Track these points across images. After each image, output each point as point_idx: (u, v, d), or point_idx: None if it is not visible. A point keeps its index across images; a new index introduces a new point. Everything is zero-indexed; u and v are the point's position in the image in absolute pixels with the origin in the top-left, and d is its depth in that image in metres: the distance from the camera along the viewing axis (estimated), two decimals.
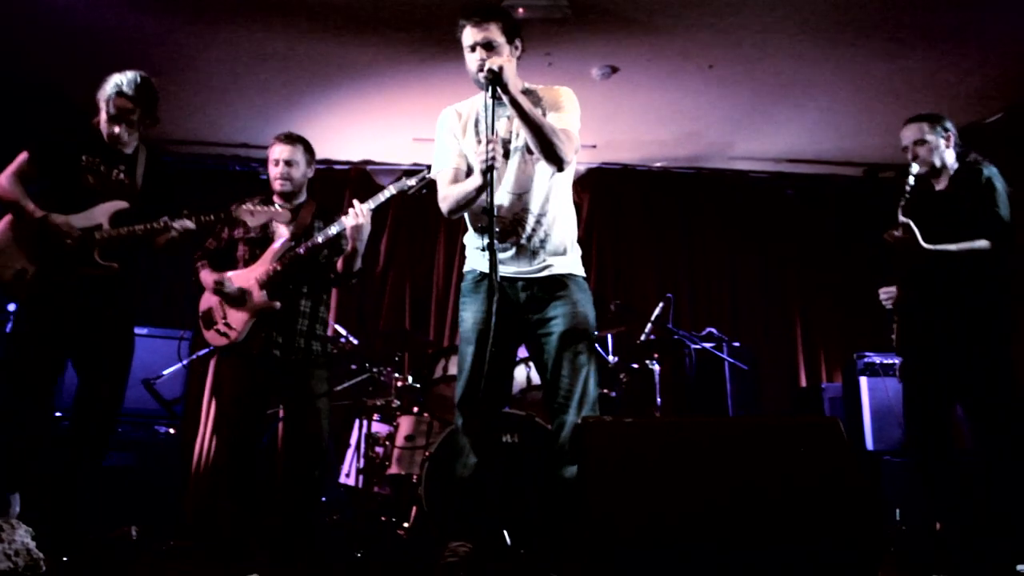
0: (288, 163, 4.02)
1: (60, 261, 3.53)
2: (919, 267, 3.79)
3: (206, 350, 5.96)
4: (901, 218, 3.70)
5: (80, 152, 3.66)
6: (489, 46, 3.05)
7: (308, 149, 4.12)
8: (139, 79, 3.69)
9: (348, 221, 3.77)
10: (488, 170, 2.80)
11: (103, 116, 3.66)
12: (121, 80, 3.66)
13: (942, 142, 3.90)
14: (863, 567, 2.30)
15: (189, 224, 3.68)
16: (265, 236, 3.96)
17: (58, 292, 3.52)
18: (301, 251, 3.85)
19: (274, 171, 4.03)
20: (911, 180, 3.82)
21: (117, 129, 3.66)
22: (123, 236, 3.60)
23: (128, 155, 3.78)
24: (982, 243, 3.65)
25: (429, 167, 3.89)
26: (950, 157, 3.91)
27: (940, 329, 3.74)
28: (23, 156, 3.65)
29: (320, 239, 3.86)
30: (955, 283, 3.71)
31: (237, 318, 3.84)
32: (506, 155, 3.13)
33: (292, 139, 4.08)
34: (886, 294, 4.03)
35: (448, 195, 3.15)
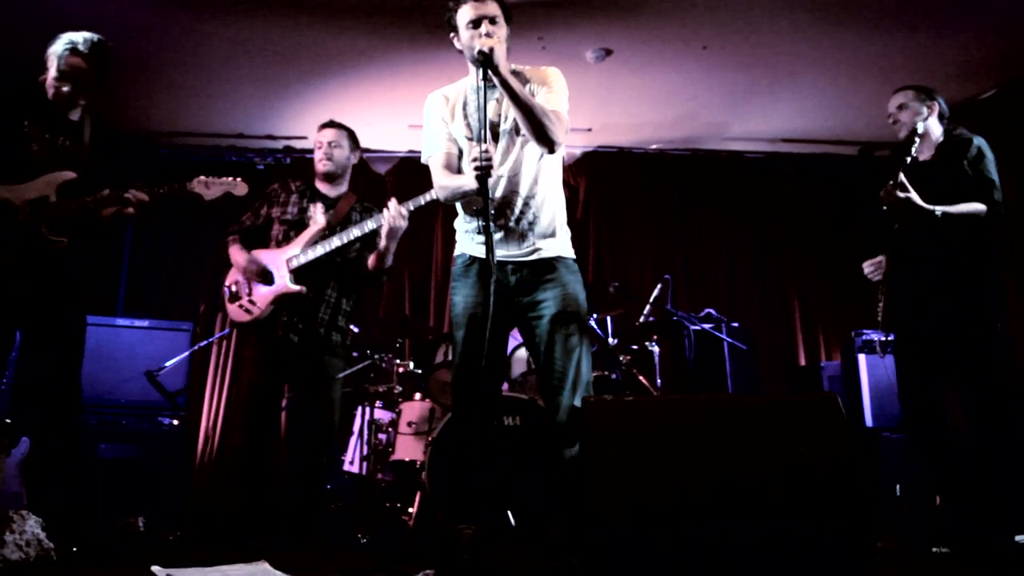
0: (331, 144, 4.12)
1: (7, 237, 3.36)
2: (911, 233, 3.78)
3: (210, 339, 6.04)
4: (901, 178, 3.67)
5: (22, 117, 3.48)
6: (493, 20, 3.05)
7: (352, 137, 4.22)
8: (95, 39, 3.52)
9: (384, 219, 3.79)
10: (483, 176, 2.81)
11: (51, 74, 3.48)
12: (76, 38, 3.49)
13: (925, 109, 3.92)
14: (860, 541, 2.32)
15: (142, 195, 3.51)
16: (301, 220, 4.02)
17: (3, 270, 3.35)
18: (336, 242, 3.90)
19: (318, 153, 4.13)
20: (916, 140, 3.82)
21: (66, 88, 3.48)
22: (72, 209, 3.44)
23: (74, 122, 3.61)
24: (979, 206, 3.68)
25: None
26: (935, 127, 3.92)
27: (929, 301, 3.76)
28: None
29: (355, 232, 3.91)
30: (946, 250, 3.72)
31: (261, 297, 3.89)
32: (495, 137, 3.12)
33: (336, 124, 4.20)
34: (871, 266, 4.04)
35: (444, 187, 3.16)
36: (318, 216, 3.97)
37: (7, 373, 3.82)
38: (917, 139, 3.85)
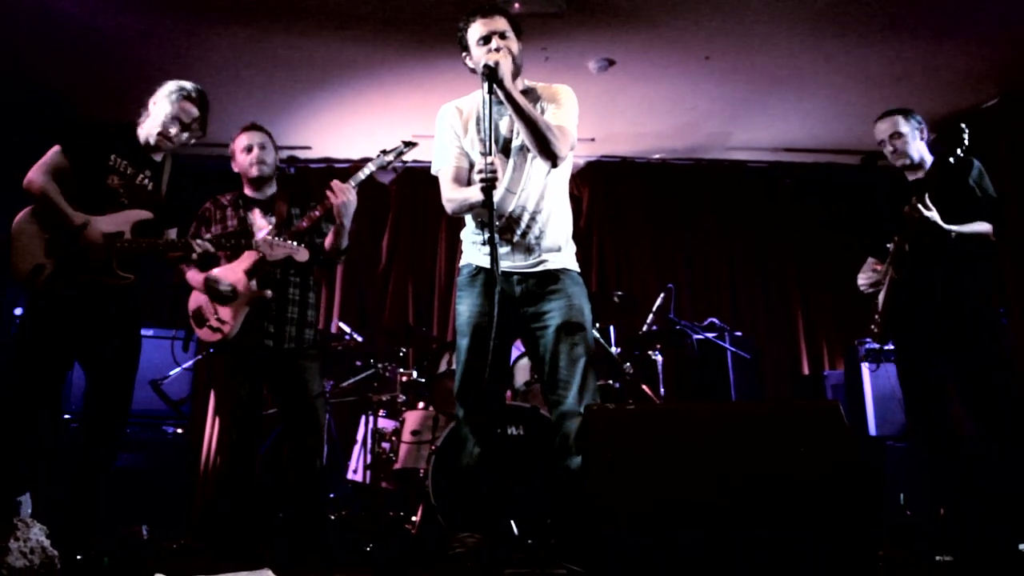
0: (262, 146, 4.04)
1: (79, 265, 3.47)
2: (918, 250, 3.79)
3: (210, 350, 6.03)
4: (926, 200, 3.65)
5: (109, 151, 3.60)
6: (503, 35, 3.09)
7: (271, 137, 4.14)
8: (200, 89, 3.75)
9: (333, 200, 3.76)
10: (488, 188, 2.84)
11: (164, 115, 3.64)
12: (186, 85, 3.70)
13: (917, 133, 3.95)
14: (863, 550, 2.32)
15: (209, 248, 3.67)
16: (244, 230, 3.91)
17: (68, 294, 3.46)
18: (305, 223, 3.85)
19: (248, 157, 4.02)
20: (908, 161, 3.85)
21: (174, 130, 3.66)
22: (144, 248, 3.58)
23: (156, 162, 3.76)
24: (987, 226, 3.72)
25: (404, 142, 3.95)
26: (924, 150, 3.96)
27: (933, 312, 3.77)
28: (55, 148, 3.56)
29: (304, 224, 3.85)
30: (952, 265, 3.74)
31: (228, 312, 3.82)
32: (506, 153, 3.16)
33: (259, 127, 4.11)
34: (868, 277, 4.06)
35: (451, 199, 3.18)
36: (259, 220, 3.91)
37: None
38: (909, 160, 3.92)
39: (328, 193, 3.78)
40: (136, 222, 3.59)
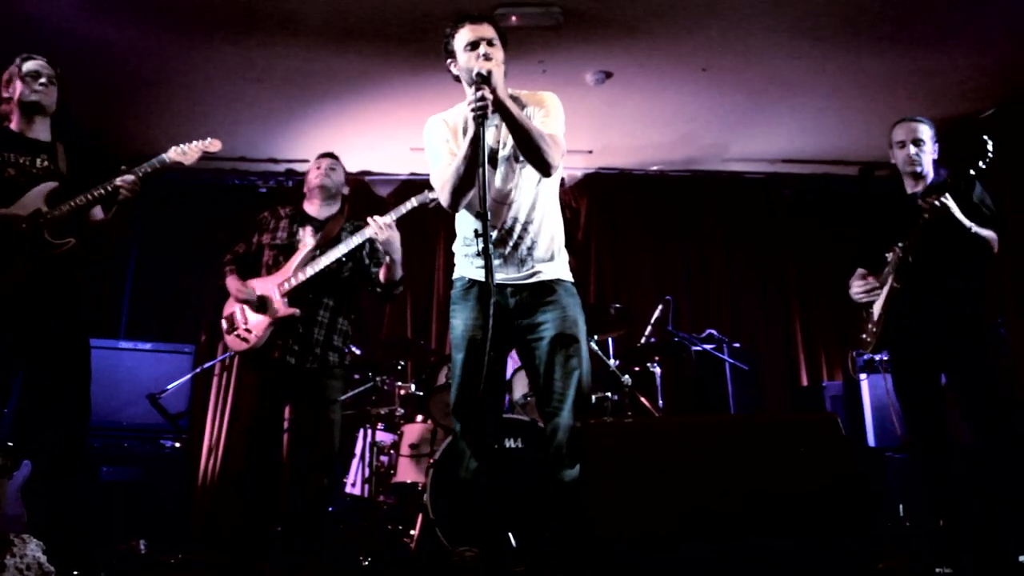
0: (332, 168, 4.20)
1: (15, 252, 3.37)
2: (924, 258, 3.73)
3: (212, 362, 6.04)
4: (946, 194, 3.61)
5: None
6: (491, 42, 3.08)
7: (341, 164, 4.32)
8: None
9: (368, 233, 3.88)
10: (479, 116, 2.80)
11: (21, 82, 3.53)
12: (18, 58, 3.60)
13: (934, 146, 3.92)
14: (864, 560, 2.32)
15: (128, 177, 3.50)
16: (291, 244, 4.04)
17: (14, 286, 3.35)
18: (324, 262, 3.91)
19: (317, 171, 4.18)
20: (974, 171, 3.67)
21: (40, 86, 3.55)
22: (67, 212, 3.44)
23: (45, 143, 3.61)
24: (994, 235, 3.70)
25: None
26: (931, 162, 3.94)
27: (932, 322, 3.74)
28: None
29: (342, 249, 3.93)
30: (959, 278, 3.73)
31: (257, 324, 3.91)
32: (493, 164, 3.12)
33: (334, 155, 4.29)
34: (863, 286, 4.03)
35: (445, 178, 3.05)
36: (307, 238, 4.00)
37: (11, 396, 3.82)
38: (921, 169, 3.89)
39: (368, 226, 3.88)
40: (47, 193, 3.47)
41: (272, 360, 3.88)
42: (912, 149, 3.90)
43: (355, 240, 3.93)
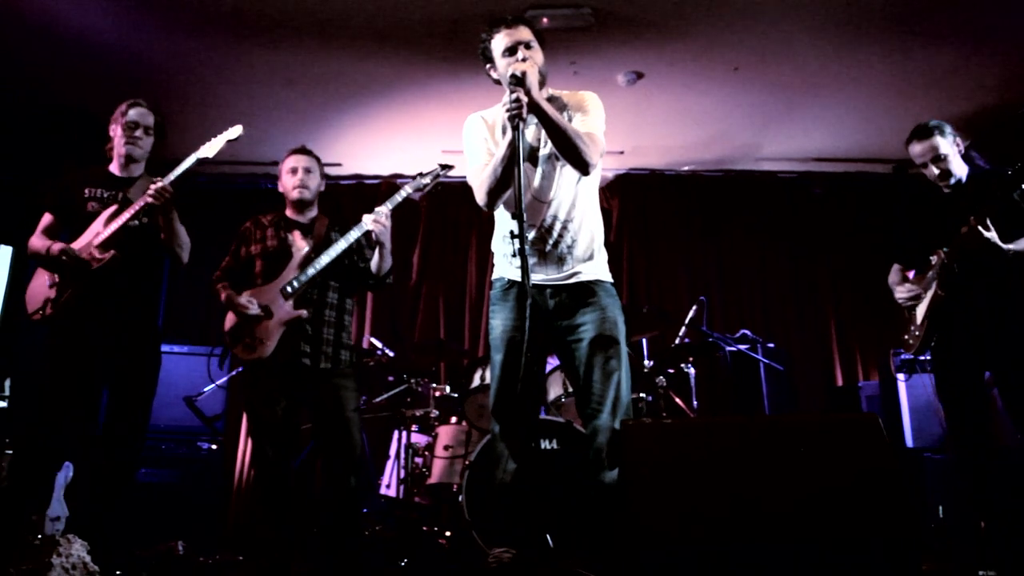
0: (307, 170, 4.10)
1: (71, 275, 3.68)
2: (969, 266, 3.73)
3: (236, 371, 6.08)
4: (987, 223, 3.60)
5: (83, 186, 3.82)
6: (529, 45, 3.09)
7: (319, 163, 4.22)
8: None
9: (367, 224, 3.84)
10: (514, 118, 2.82)
11: (122, 129, 3.83)
12: (125, 104, 3.89)
13: (956, 149, 3.88)
14: (906, 563, 2.30)
15: (157, 185, 3.67)
16: (283, 249, 4.00)
17: (83, 310, 3.63)
18: (324, 260, 3.91)
19: (292, 179, 4.09)
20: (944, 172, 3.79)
21: (139, 135, 3.84)
22: (114, 230, 3.67)
23: (132, 179, 3.88)
24: None
25: (441, 165, 3.98)
26: (961, 161, 3.90)
27: (982, 329, 3.71)
28: (45, 216, 3.85)
29: (342, 245, 3.91)
30: (1004, 284, 3.71)
31: (265, 332, 3.87)
32: (534, 162, 3.15)
33: (307, 151, 4.18)
34: (908, 291, 4.01)
35: (482, 178, 3.08)
36: (299, 242, 3.99)
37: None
38: (953, 180, 3.87)
39: (364, 218, 3.85)
40: (106, 219, 3.72)
41: (285, 365, 3.87)
42: (935, 169, 3.88)
43: (353, 234, 3.91)
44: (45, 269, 3.76)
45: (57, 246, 3.65)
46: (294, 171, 4.10)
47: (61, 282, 3.69)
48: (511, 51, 3.09)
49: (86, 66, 5.50)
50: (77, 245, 3.67)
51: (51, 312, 3.64)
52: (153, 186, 3.64)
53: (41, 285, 3.76)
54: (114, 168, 3.89)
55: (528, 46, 3.09)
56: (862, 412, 5.49)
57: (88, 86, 5.68)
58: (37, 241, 3.79)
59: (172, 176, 3.72)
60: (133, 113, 3.84)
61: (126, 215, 3.65)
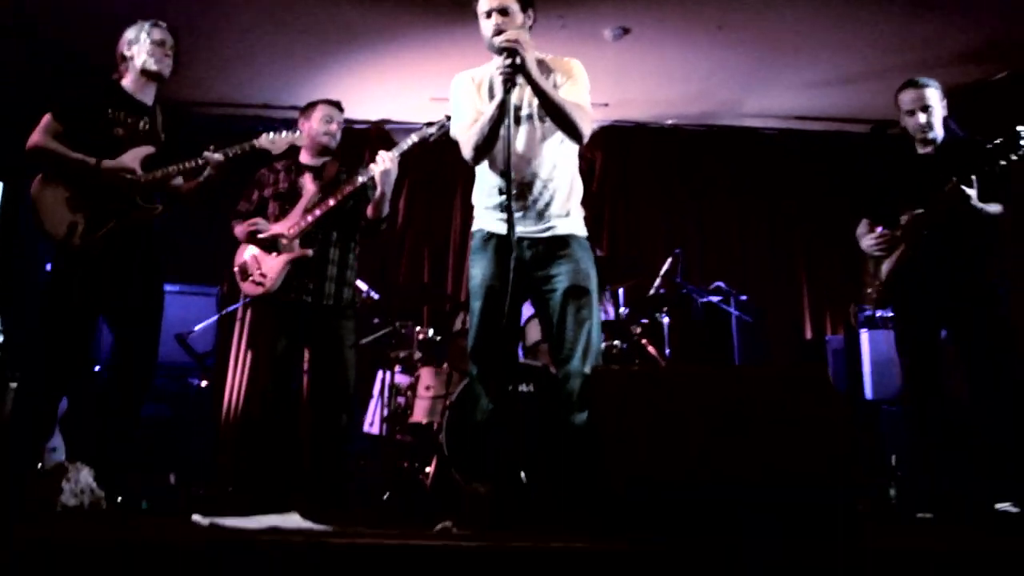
0: (339, 124, 4.33)
1: (107, 211, 3.59)
2: (938, 227, 3.82)
3: (235, 305, 6.23)
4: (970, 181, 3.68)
5: (105, 106, 3.69)
6: (504, 12, 3.16)
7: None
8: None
9: (376, 168, 4.01)
10: (507, 83, 2.96)
11: (147, 50, 3.72)
12: (146, 22, 3.78)
13: (941, 108, 3.96)
14: (842, 503, 2.49)
15: (218, 156, 3.72)
16: (294, 191, 4.18)
17: (94, 248, 3.57)
18: (331, 202, 4.06)
19: (327, 128, 4.27)
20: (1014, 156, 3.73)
21: (160, 57, 3.74)
22: (159, 178, 3.67)
23: (149, 107, 3.82)
24: (999, 207, 3.77)
25: (448, 116, 4.08)
26: (940, 125, 3.98)
27: (944, 287, 3.84)
28: (47, 117, 3.64)
29: (348, 188, 4.08)
30: (970, 246, 3.83)
31: (271, 268, 4.04)
32: (517, 121, 3.23)
33: (342, 107, 4.39)
34: (875, 240, 4.08)
35: (469, 135, 3.20)
36: (308, 184, 4.15)
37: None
38: (933, 135, 3.95)
39: (377, 160, 4.02)
40: (144, 158, 3.67)
41: (288, 301, 4.03)
42: (921, 117, 3.94)
43: (360, 178, 4.09)
44: (52, 182, 3.60)
45: (93, 160, 3.56)
46: (329, 121, 4.28)
47: (96, 212, 3.58)
48: (488, 15, 3.19)
49: (75, 2, 5.53)
50: (118, 165, 3.60)
51: (79, 244, 3.54)
52: (214, 157, 3.71)
53: (57, 203, 3.58)
54: (132, 88, 3.78)
55: (504, 12, 3.17)
56: (812, 365, 5.70)
57: (75, 23, 5.69)
58: (44, 139, 3.60)
59: (232, 151, 3.79)
60: (158, 32, 3.76)
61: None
